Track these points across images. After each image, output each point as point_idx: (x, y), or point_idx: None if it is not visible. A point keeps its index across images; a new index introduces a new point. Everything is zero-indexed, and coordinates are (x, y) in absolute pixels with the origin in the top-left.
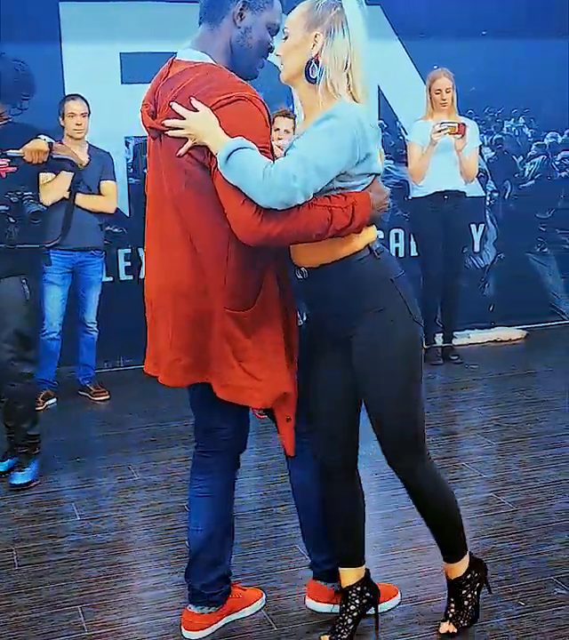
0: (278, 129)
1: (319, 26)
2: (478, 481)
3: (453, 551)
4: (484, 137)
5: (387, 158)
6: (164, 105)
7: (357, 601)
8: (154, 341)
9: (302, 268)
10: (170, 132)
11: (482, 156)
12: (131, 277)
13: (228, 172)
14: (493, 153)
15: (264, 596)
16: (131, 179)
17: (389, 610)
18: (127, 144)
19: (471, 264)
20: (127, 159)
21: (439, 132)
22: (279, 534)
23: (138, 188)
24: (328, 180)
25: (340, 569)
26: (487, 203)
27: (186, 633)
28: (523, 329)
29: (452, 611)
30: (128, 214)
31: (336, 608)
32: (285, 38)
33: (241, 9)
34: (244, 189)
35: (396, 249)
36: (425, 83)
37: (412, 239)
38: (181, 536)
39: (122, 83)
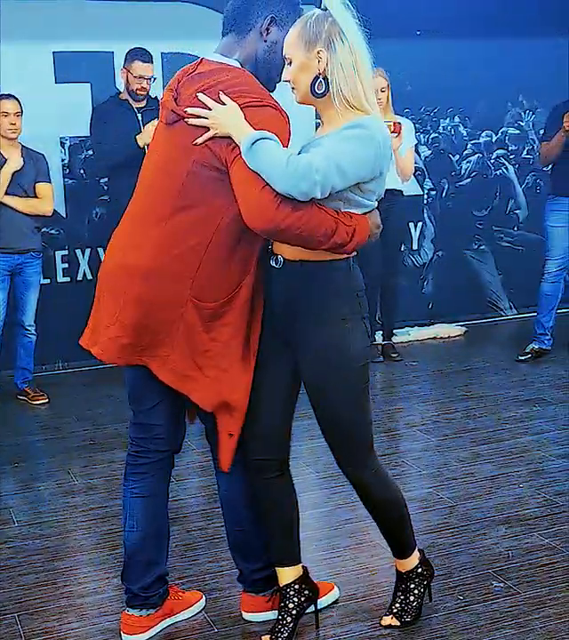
0: None
1: (318, 42)
2: (418, 477)
3: (403, 548)
4: (421, 136)
5: None
6: (188, 95)
7: (296, 599)
8: (96, 316)
9: (279, 257)
10: (191, 120)
11: (419, 155)
12: (68, 279)
13: (252, 157)
14: (430, 151)
15: (204, 599)
16: (66, 179)
17: (328, 606)
18: (63, 144)
19: (410, 262)
20: (63, 160)
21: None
22: (221, 536)
23: (74, 189)
24: (346, 185)
25: (278, 569)
26: (425, 201)
27: (125, 636)
28: (462, 326)
29: (398, 605)
30: (65, 215)
31: (275, 612)
32: (289, 63)
33: (269, 24)
34: (266, 174)
35: None
36: None
37: None
38: (121, 539)
39: (56, 82)
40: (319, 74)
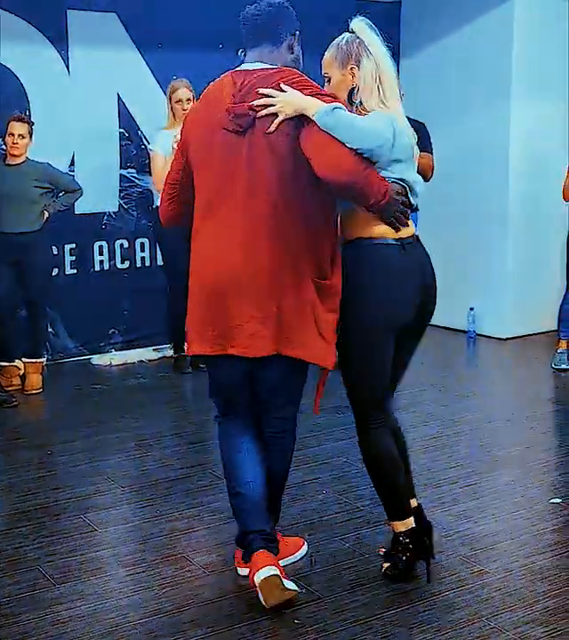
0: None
1: (351, 60)
2: None
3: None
4: None
5: (130, 167)
6: (252, 99)
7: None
8: (221, 320)
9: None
10: (262, 112)
11: None
12: None
13: (334, 120)
14: None
15: (306, 546)
16: None
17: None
18: None
19: None
20: None
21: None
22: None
23: None
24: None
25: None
26: None
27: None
28: None
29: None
30: None
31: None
32: (328, 81)
33: (295, 40)
34: (346, 134)
35: (143, 258)
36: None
37: (157, 248)
38: None
39: None
40: (354, 86)
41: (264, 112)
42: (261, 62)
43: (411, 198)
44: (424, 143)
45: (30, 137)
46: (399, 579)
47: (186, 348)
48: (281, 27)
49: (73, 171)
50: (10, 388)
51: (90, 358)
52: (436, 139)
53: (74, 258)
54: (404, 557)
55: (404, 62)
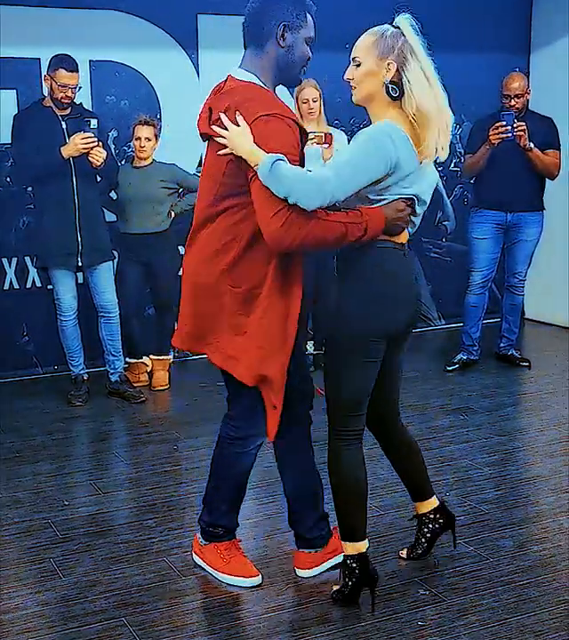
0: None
1: (390, 55)
2: None
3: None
4: None
5: None
6: (216, 114)
7: (430, 525)
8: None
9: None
10: (217, 138)
11: None
12: None
13: (272, 180)
14: None
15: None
16: None
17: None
18: None
19: None
20: None
21: (307, 141)
22: (148, 548)
23: (0, 197)
24: (348, 194)
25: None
26: None
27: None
28: None
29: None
30: None
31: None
32: (358, 65)
33: (282, 31)
34: (287, 194)
35: None
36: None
37: None
38: (45, 554)
39: None
40: (390, 81)
41: (218, 138)
42: (242, 69)
43: (416, 208)
44: (550, 139)
45: (156, 139)
46: (344, 603)
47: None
48: (264, 25)
49: (200, 172)
50: (138, 385)
51: None
52: (566, 136)
53: None
54: (349, 582)
55: (535, 57)
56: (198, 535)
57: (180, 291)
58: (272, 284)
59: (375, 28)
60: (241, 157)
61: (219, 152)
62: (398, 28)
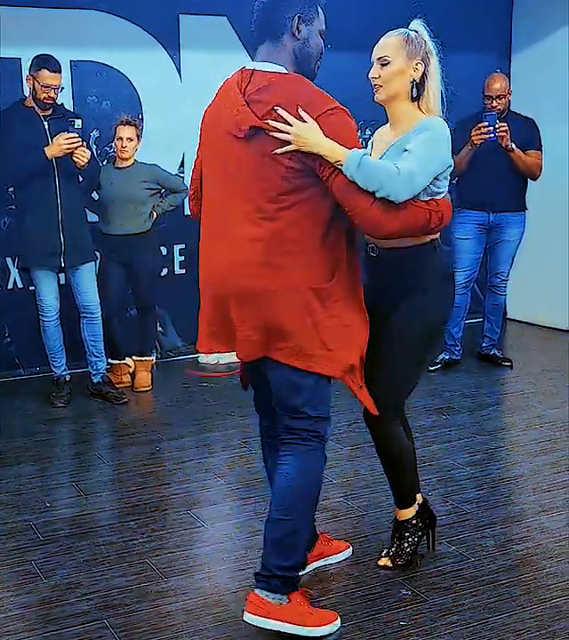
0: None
1: (418, 56)
2: (329, 486)
3: (400, 499)
4: None
5: None
6: (265, 108)
7: (412, 530)
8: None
9: (373, 246)
10: (274, 133)
11: None
12: None
13: (362, 175)
14: None
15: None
16: None
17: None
18: None
19: None
20: None
21: None
22: (129, 550)
23: None
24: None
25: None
26: None
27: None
28: None
29: (393, 549)
30: None
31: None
32: (385, 64)
33: (297, 24)
34: (378, 187)
35: None
36: None
37: None
38: (27, 556)
39: None
40: (416, 81)
41: (276, 135)
42: (267, 62)
43: None
44: (532, 140)
45: (138, 139)
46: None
47: None
48: (279, 18)
49: (182, 172)
50: (120, 386)
51: (198, 357)
52: (547, 137)
53: (183, 258)
54: (415, 538)
55: (516, 57)
56: (265, 593)
57: (205, 298)
58: (344, 274)
59: (398, 30)
60: (308, 153)
61: (277, 151)
62: (416, 31)
